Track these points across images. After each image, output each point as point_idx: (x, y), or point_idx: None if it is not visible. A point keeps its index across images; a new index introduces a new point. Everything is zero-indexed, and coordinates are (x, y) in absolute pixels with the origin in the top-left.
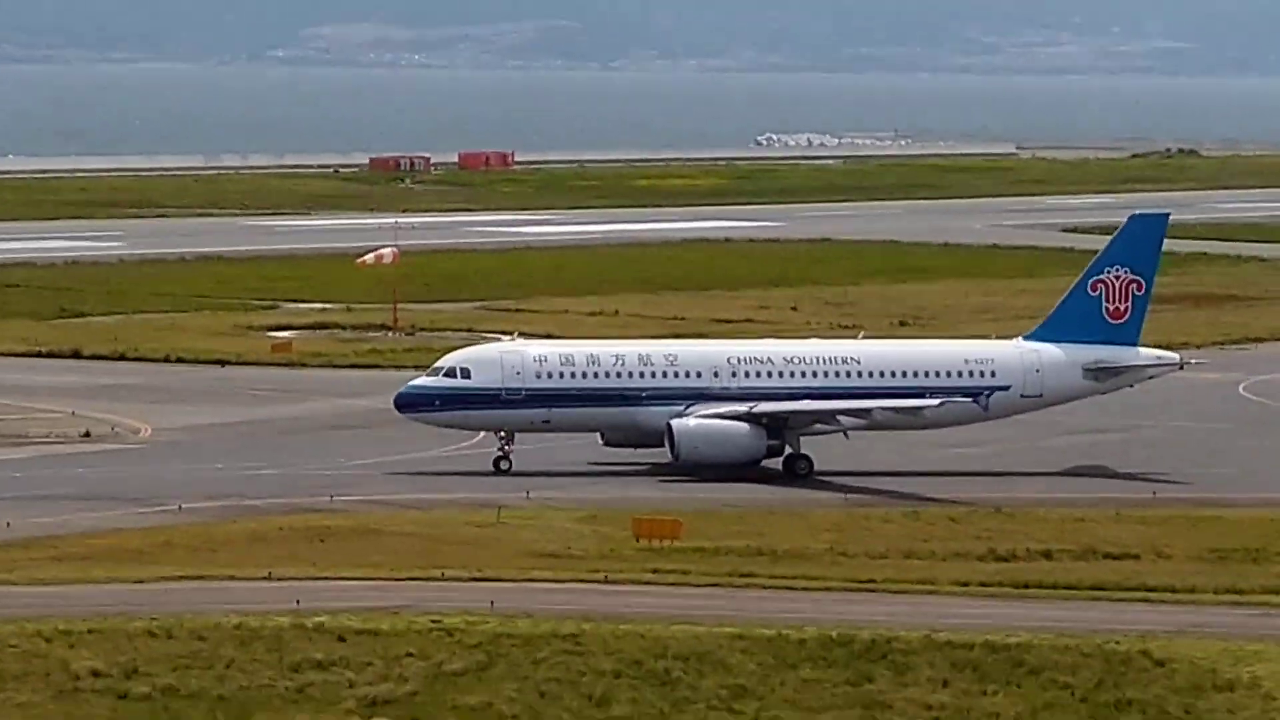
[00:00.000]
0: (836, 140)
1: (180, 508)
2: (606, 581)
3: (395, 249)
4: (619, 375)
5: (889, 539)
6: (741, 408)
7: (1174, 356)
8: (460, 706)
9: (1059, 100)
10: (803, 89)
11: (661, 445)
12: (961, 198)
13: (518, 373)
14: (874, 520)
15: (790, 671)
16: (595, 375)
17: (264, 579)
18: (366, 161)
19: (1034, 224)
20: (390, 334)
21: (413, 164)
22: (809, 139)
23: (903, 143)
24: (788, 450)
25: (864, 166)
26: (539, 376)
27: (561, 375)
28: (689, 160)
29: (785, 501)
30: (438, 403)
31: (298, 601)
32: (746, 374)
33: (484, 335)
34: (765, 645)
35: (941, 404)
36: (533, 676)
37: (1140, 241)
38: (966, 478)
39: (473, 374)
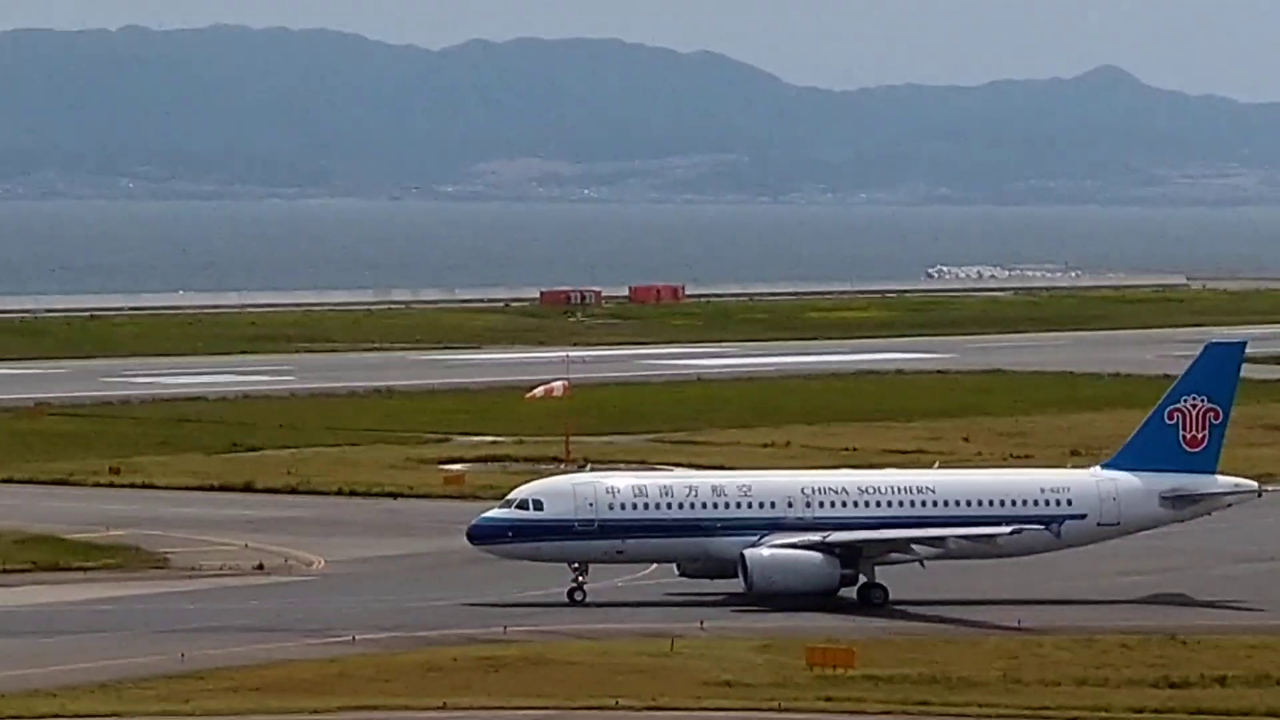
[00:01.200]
0: (1007, 272)
1: (354, 639)
2: (781, 710)
3: (565, 382)
4: (692, 506)
5: (1062, 666)
6: (815, 537)
7: (1252, 484)
8: None
9: (1228, 231)
10: (972, 221)
11: (736, 575)
12: (1132, 328)
13: (590, 504)
14: (1047, 647)
15: None
16: (668, 506)
17: (438, 709)
18: (537, 295)
19: None
20: (562, 466)
21: (583, 297)
22: (979, 271)
23: (1073, 274)
24: (862, 579)
25: (1035, 298)
26: (611, 508)
27: (635, 506)
28: (859, 292)
29: (959, 630)
30: (510, 534)
31: None
32: (821, 504)
33: (654, 466)
34: None
35: (1013, 532)
36: None
37: (1217, 369)
38: (1137, 605)
39: (545, 505)
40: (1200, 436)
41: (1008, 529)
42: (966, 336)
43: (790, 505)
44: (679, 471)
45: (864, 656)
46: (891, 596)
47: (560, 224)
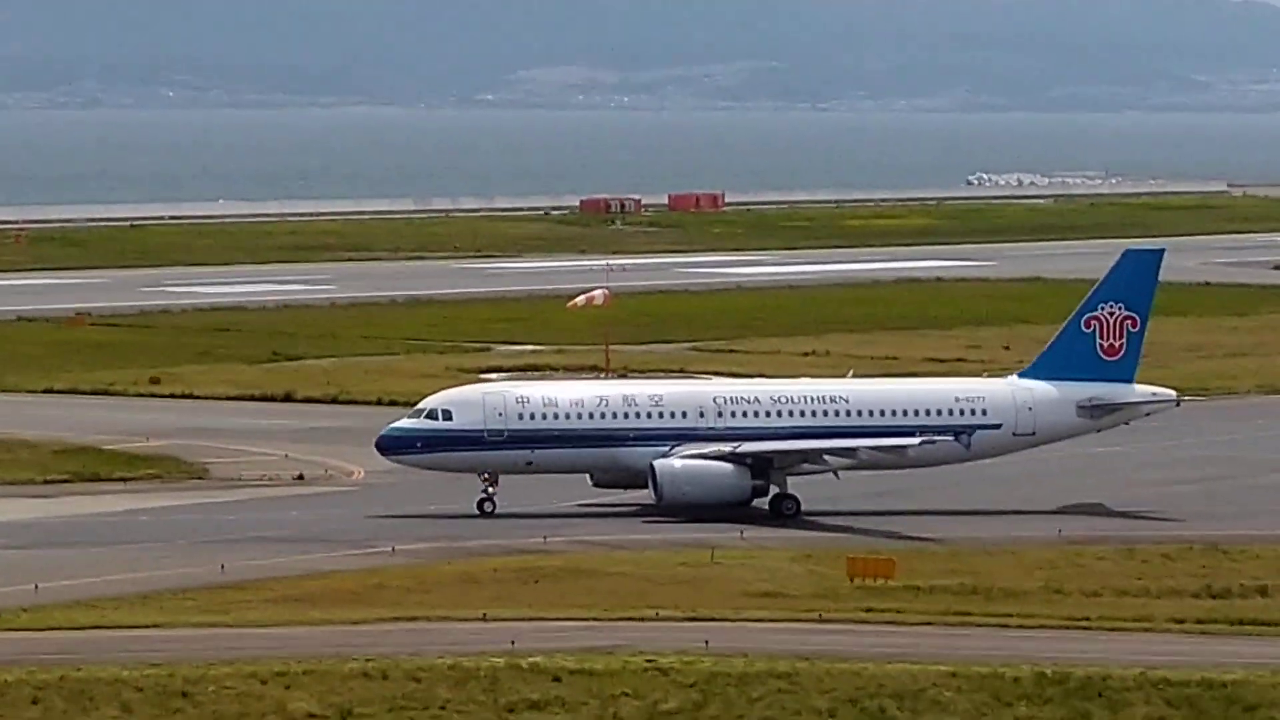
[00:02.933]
0: (1046, 179)
1: (394, 550)
2: (821, 620)
3: (606, 290)
4: (603, 416)
5: (1103, 576)
6: (725, 448)
7: (1170, 393)
8: None
9: (1269, 137)
10: (1013, 128)
11: (647, 486)
12: (1173, 235)
13: (500, 414)
14: (1088, 558)
15: (1005, 710)
16: (579, 416)
17: (478, 620)
18: (577, 204)
19: (1245, 261)
20: (602, 375)
21: (623, 205)
22: (1019, 178)
23: (1113, 181)
24: (774, 489)
25: (1074, 205)
26: (521, 418)
27: (545, 416)
28: (899, 200)
29: (999, 539)
30: (419, 445)
31: (513, 642)
32: (733, 414)
33: (694, 375)
34: (980, 683)
35: (922, 442)
36: (747, 715)
37: (1135, 277)
38: (1176, 520)
39: (454, 415)
40: (1118, 345)
41: (917, 440)
42: (1007, 244)
43: (702, 415)
44: (592, 382)
45: (904, 567)
46: (930, 505)
47: (600, 132)
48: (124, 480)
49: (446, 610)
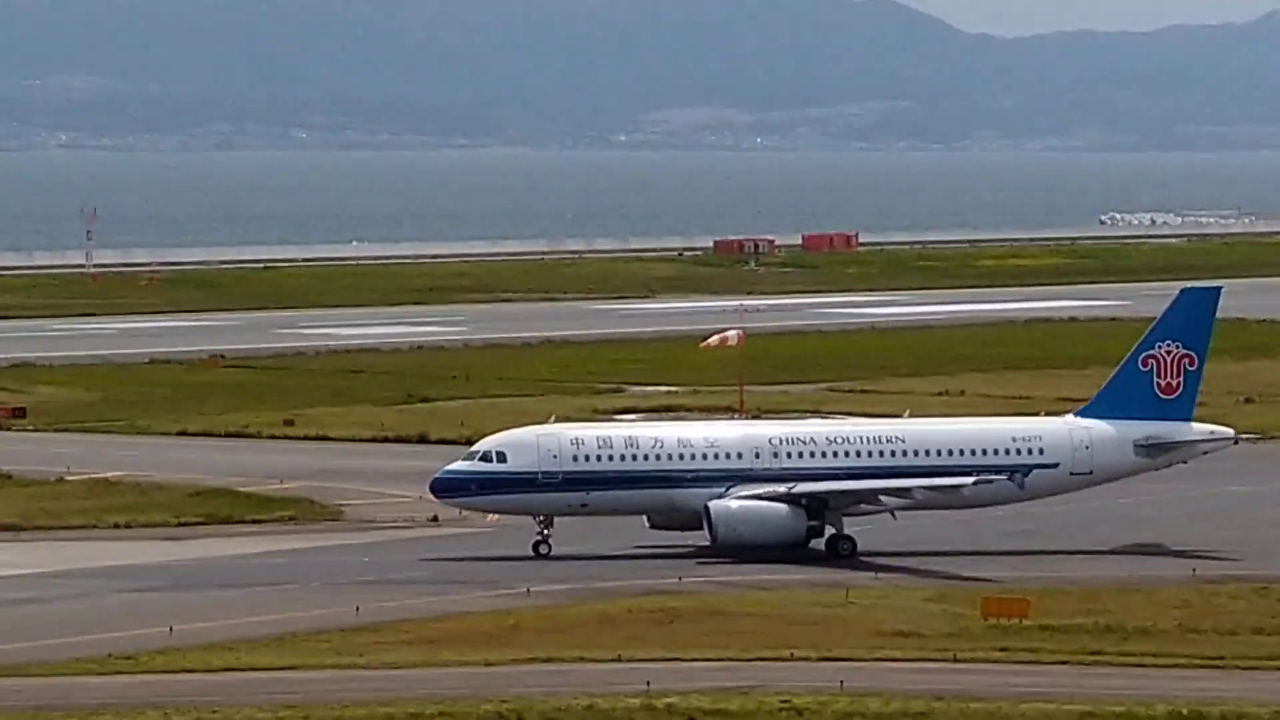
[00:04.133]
0: (1180, 219)
1: (529, 591)
2: (955, 660)
3: (740, 331)
4: (658, 458)
5: (1238, 616)
6: (780, 489)
7: (1228, 431)
8: None
9: None
10: (1145, 167)
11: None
12: None
13: (554, 456)
14: (1223, 597)
15: None
16: (633, 458)
17: (613, 661)
18: (711, 244)
19: None
20: (736, 416)
21: (757, 246)
22: (1152, 218)
23: (1247, 220)
24: (829, 531)
25: (1208, 244)
26: (575, 460)
27: (599, 458)
28: (1032, 240)
29: (1133, 579)
30: (474, 487)
31: (648, 683)
32: (788, 455)
33: (826, 415)
34: None
35: (976, 482)
36: None
37: (1192, 315)
38: None
39: (509, 458)
40: (1175, 384)
41: (971, 479)
42: (1140, 284)
43: (757, 456)
44: (647, 424)
45: (1039, 606)
46: (1038, 545)
47: (733, 172)
48: (258, 522)
49: (581, 651)
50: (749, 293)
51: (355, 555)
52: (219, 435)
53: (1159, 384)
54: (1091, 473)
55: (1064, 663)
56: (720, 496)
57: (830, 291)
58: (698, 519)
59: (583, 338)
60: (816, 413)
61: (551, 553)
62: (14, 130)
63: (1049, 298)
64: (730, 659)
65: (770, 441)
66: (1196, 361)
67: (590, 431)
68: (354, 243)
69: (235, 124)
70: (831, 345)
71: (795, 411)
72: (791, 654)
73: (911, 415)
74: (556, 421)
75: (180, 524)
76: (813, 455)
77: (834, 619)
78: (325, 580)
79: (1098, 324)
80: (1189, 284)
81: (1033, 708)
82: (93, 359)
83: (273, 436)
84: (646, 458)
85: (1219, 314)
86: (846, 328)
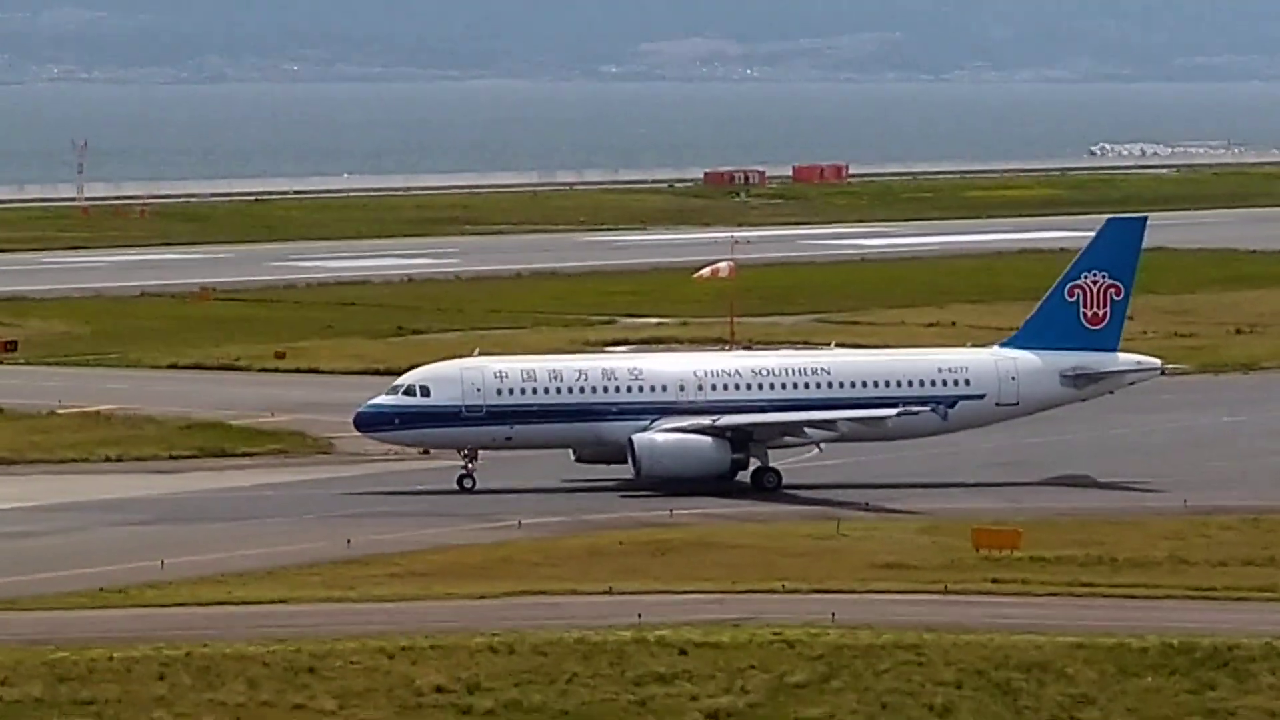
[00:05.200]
0: (1170, 149)
1: (520, 523)
2: (947, 592)
3: (731, 263)
4: (582, 390)
5: (1229, 547)
6: (705, 421)
7: (1155, 362)
8: (802, 718)
9: None
10: (1136, 98)
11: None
12: None
13: (478, 389)
14: (1213, 528)
15: (1132, 680)
16: (558, 391)
17: (605, 593)
18: (701, 176)
19: None
20: (727, 347)
21: (747, 178)
22: (1142, 148)
23: (1236, 151)
24: (755, 463)
25: (1198, 175)
26: (500, 393)
27: (523, 391)
28: (1022, 170)
29: (1124, 510)
30: (397, 421)
31: (639, 615)
32: (713, 387)
33: (816, 346)
34: (1106, 654)
35: (900, 413)
36: (874, 688)
37: (1119, 245)
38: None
39: (432, 391)
40: (1101, 314)
41: (895, 410)
42: (1130, 214)
43: (681, 389)
44: (572, 356)
45: (1029, 538)
46: (1044, 475)
47: (724, 104)
48: (249, 455)
49: (573, 584)
50: (739, 224)
51: (347, 488)
52: (210, 368)
53: (1085, 314)
54: (1018, 403)
55: (1055, 594)
56: (645, 429)
57: (820, 223)
58: (624, 452)
59: (574, 269)
60: (806, 343)
61: (475, 487)
62: (6, 63)
63: (1039, 228)
64: (722, 591)
65: (695, 374)
66: (1123, 292)
67: (514, 364)
68: (345, 175)
69: (227, 57)
70: (822, 276)
71: (784, 342)
72: (783, 586)
73: (837, 345)
74: (481, 355)
75: (171, 457)
76: (738, 388)
77: (825, 551)
78: (316, 513)
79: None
80: (1112, 215)
81: (1024, 639)
82: (84, 292)
83: (264, 369)
84: (570, 390)
85: (1215, 244)
86: (837, 259)
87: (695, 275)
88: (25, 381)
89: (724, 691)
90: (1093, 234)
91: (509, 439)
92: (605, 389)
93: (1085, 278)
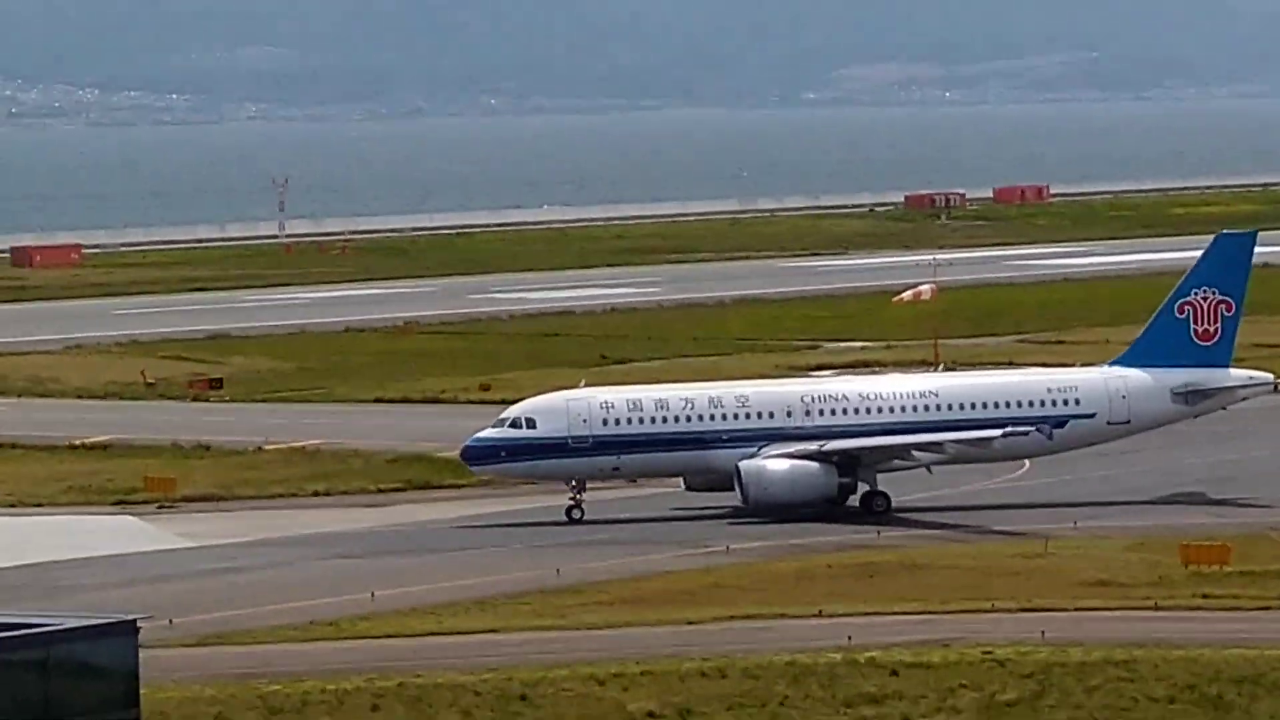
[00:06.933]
0: None
1: (728, 549)
2: (1157, 608)
3: (933, 285)
4: (688, 419)
5: None
6: (812, 446)
7: (1267, 377)
8: None
9: None
10: None
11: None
12: None
13: (584, 420)
14: None
15: None
16: (664, 420)
17: (814, 616)
18: (902, 199)
19: None
20: (932, 370)
21: (948, 200)
22: None
23: None
24: (863, 488)
25: None
26: (605, 423)
27: (629, 421)
28: (1225, 187)
29: None
30: (504, 454)
31: (849, 637)
32: (820, 413)
33: (1020, 367)
34: None
35: (1006, 434)
36: (1086, 705)
37: (1228, 261)
38: None
39: (538, 424)
40: (1212, 330)
41: (1000, 431)
42: None
43: (789, 414)
44: (678, 385)
45: (1239, 553)
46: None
47: (922, 127)
48: (456, 487)
49: (782, 607)
50: (941, 247)
51: (555, 517)
52: (415, 401)
53: (1196, 330)
54: (1129, 421)
55: (1266, 608)
56: (752, 456)
57: (1022, 243)
58: (732, 480)
59: (776, 296)
60: (1010, 363)
61: (584, 518)
62: (204, 103)
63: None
64: (930, 612)
65: (802, 399)
66: (1234, 307)
67: (620, 394)
68: (545, 207)
69: (425, 91)
70: (1024, 297)
71: (989, 364)
72: (992, 605)
73: (946, 369)
74: (588, 386)
75: (379, 490)
76: (845, 412)
77: (1033, 570)
78: (525, 543)
79: None
80: (1224, 230)
81: (1236, 654)
82: (288, 328)
83: (469, 401)
84: (677, 419)
85: None
86: (1039, 279)
87: (895, 299)
88: (231, 419)
89: (935, 711)
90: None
91: (616, 469)
92: (713, 416)
93: (1195, 294)
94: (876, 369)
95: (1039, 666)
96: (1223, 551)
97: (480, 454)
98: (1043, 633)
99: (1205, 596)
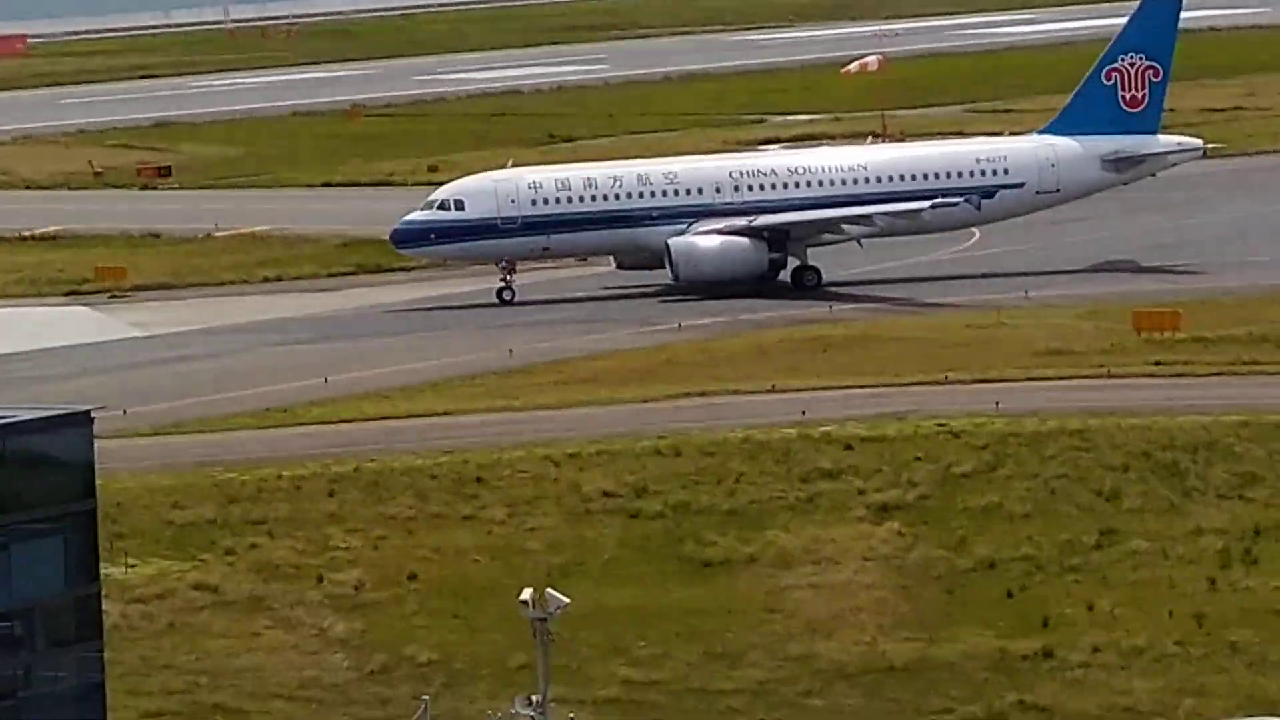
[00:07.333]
0: None
1: (680, 325)
2: (1110, 376)
3: (880, 56)
4: (617, 197)
5: None
6: (741, 222)
7: (1196, 142)
8: (971, 508)
9: None
10: None
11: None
12: None
13: (513, 201)
14: None
15: None
16: (593, 199)
17: (768, 392)
18: None
19: None
20: (879, 140)
21: None
22: None
23: None
24: (793, 263)
25: None
26: (534, 203)
27: (558, 200)
28: None
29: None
30: (434, 236)
31: (803, 412)
32: (749, 188)
33: (970, 136)
34: (1273, 431)
35: (933, 205)
36: (1041, 474)
37: (1156, 24)
38: None
39: (467, 205)
40: (1140, 96)
41: (928, 203)
42: None
43: (718, 191)
44: (606, 163)
45: (1190, 319)
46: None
47: None
48: (406, 270)
49: (736, 384)
50: (887, 17)
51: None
52: (364, 185)
53: (1124, 97)
54: (1059, 190)
55: (1219, 374)
56: (682, 233)
57: (967, 12)
58: (663, 258)
59: (723, 70)
60: (960, 133)
61: (515, 299)
62: None
63: (1195, 7)
64: (884, 385)
65: (730, 175)
66: (1161, 73)
67: (549, 174)
68: None
69: None
70: (971, 66)
71: (938, 133)
72: (945, 377)
73: (894, 140)
74: (515, 166)
75: (330, 275)
76: (774, 187)
77: (987, 340)
78: (476, 325)
79: (1241, 32)
80: None
81: (1189, 420)
82: (235, 114)
83: (417, 184)
84: (606, 198)
85: None
86: (987, 48)
87: (843, 70)
88: (180, 207)
89: (891, 484)
90: (1249, 8)
91: (546, 249)
92: (641, 194)
93: (1122, 60)
94: (824, 141)
95: (994, 437)
96: (1174, 318)
97: (409, 237)
98: (997, 403)
99: (1158, 363)
